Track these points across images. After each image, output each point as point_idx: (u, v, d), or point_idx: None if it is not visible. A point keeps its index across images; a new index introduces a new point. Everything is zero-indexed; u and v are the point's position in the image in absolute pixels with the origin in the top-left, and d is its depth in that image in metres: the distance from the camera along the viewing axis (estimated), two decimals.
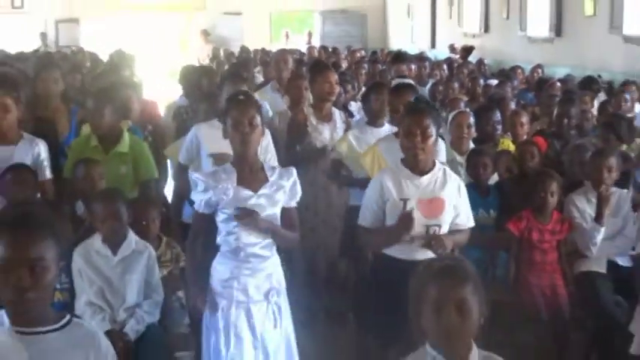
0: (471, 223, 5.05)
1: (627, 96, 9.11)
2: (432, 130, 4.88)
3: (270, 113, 7.12)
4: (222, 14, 22.72)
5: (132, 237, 5.00)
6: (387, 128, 6.47)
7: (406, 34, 21.76)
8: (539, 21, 15.60)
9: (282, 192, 4.72)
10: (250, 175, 4.68)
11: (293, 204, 4.80)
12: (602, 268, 5.94)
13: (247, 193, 4.60)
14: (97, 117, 6.10)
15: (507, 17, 16.89)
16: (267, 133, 5.66)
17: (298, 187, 4.83)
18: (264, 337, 4.73)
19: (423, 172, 4.88)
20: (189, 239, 4.98)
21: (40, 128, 6.57)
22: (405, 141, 4.92)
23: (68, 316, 2.76)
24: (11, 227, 2.64)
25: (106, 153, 5.89)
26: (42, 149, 5.96)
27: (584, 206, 5.93)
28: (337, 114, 7.23)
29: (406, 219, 4.63)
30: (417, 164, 4.88)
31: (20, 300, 2.55)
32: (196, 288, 4.76)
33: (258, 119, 4.71)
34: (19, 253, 2.55)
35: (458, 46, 16.83)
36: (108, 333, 4.40)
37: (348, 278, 6.33)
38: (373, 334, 5.42)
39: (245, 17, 22.69)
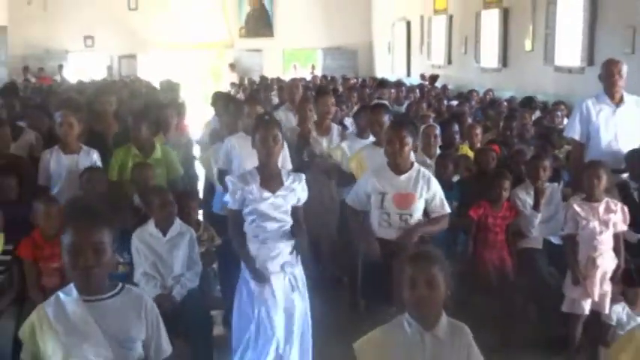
0: (447, 210, 5.08)
1: (558, 113, 9.37)
2: (409, 139, 4.95)
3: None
4: (246, 51, 22.78)
5: (178, 222, 5.08)
6: (371, 139, 6.39)
7: (387, 66, 21.69)
8: (490, 55, 15.59)
9: (293, 194, 4.72)
10: (270, 179, 4.68)
11: (300, 204, 4.80)
12: (539, 245, 6.08)
13: (267, 194, 4.63)
14: (136, 132, 6.23)
15: (465, 52, 16.85)
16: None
17: (305, 191, 4.83)
18: (285, 300, 4.71)
19: (401, 172, 4.95)
20: (231, 230, 4.92)
21: (93, 140, 6.59)
22: (388, 148, 4.99)
23: (121, 284, 2.88)
24: (78, 219, 2.82)
25: (145, 159, 5.96)
26: (96, 157, 6.01)
27: (525, 197, 5.98)
28: (335, 128, 7.22)
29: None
30: (396, 166, 4.95)
31: (86, 276, 2.68)
32: (249, 262, 4.71)
33: (279, 136, 4.71)
34: (85, 239, 2.68)
35: (427, 74, 16.90)
36: (158, 296, 4.59)
37: (344, 252, 6.37)
38: (362, 294, 5.52)
39: (264, 53, 22.83)
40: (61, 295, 2.80)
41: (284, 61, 22.48)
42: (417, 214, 4.97)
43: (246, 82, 18.70)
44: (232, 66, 21.47)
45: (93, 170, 5.74)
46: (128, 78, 18.20)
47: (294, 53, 22.89)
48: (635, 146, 6.19)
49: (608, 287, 5.41)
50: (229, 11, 23.51)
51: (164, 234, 4.99)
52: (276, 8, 23.53)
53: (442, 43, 18.28)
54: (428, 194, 4.98)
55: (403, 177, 4.97)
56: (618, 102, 6.40)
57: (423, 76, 16.60)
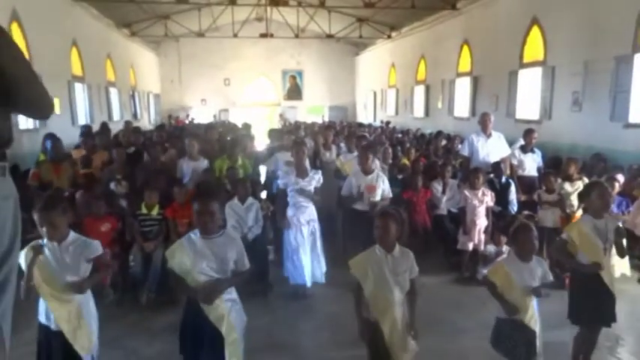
0: (391, 195, 4.99)
1: (456, 141, 8.87)
2: (370, 156, 4.93)
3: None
4: (288, 107, 22.69)
5: (250, 197, 4.94)
6: (356, 153, 6.27)
7: (363, 116, 21.50)
8: (419, 110, 15.51)
9: (314, 180, 4.73)
10: (301, 172, 4.71)
11: (317, 185, 4.76)
12: (445, 212, 5.96)
13: (299, 179, 4.68)
14: (230, 150, 6.14)
15: (405, 109, 16.77)
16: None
17: (320, 180, 4.80)
18: (309, 239, 4.76)
19: (368, 174, 4.90)
20: (278, 199, 4.98)
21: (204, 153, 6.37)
22: (361, 161, 5.02)
23: (223, 230, 2.82)
24: (202, 197, 2.77)
25: (233, 164, 5.86)
26: (206, 163, 5.87)
27: (437, 187, 5.92)
28: (333, 147, 7.07)
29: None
30: (365, 171, 4.90)
31: (206, 227, 2.68)
32: (284, 218, 4.74)
33: (306, 150, 4.84)
34: (205, 208, 2.66)
35: (384, 120, 16.70)
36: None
37: (337, 219, 6.24)
38: (347, 243, 5.46)
39: (298, 109, 22.69)
40: (191, 234, 2.76)
41: (307, 112, 22.31)
42: (378, 197, 4.87)
43: (287, 123, 18.41)
44: (281, 115, 21.46)
45: (206, 170, 5.70)
46: (225, 121, 18.04)
47: (313, 108, 22.79)
48: (497, 159, 6.12)
49: (482, 236, 5.36)
50: (279, 86, 23.43)
51: (242, 203, 4.90)
52: (303, 85, 23.40)
53: (393, 103, 18.16)
54: (383, 186, 4.90)
55: (369, 177, 4.90)
56: (489, 135, 6.31)
57: (382, 122, 16.49)
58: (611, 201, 3.40)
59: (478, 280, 5.22)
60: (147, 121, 18.47)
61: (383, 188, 4.87)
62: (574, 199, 5.34)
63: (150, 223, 4.90)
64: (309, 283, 4.80)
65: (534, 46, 9.46)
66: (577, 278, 3.33)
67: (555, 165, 6.78)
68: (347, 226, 5.13)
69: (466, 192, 5.32)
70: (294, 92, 23.53)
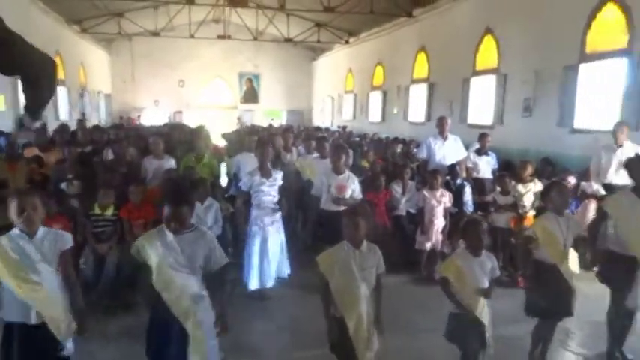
0: (361, 196, 4.98)
1: (412, 145, 9.29)
2: (343, 157, 4.93)
3: None
4: (244, 111, 22.42)
5: (208, 197, 4.83)
6: (315, 155, 6.37)
7: (320, 120, 21.51)
8: (375, 115, 15.70)
9: (278, 181, 4.73)
10: (265, 173, 4.67)
11: (280, 184, 4.76)
12: (403, 213, 5.98)
13: (264, 180, 4.63)
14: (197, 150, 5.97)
15: (362, 113, 16.98)
16: None
17: (281, 180, 4.79)
18: (273, 241, 4.73)
19: (339, 174, 4.87)
20: (239, 202, 4.88)
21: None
22: (332, 161, 5.01)
23: (194, 226, 2.70)
24: (172, 201, 2.61)
25: (198, 163, 5.75)
26: (172, 162, 5.81)
27: (397, 188, 5.95)
28: (294, 149, 7.08)
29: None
30: (337, 171, 4.88)
31: (177, 227, 2.57)
32: (245, 221, 4.73)
33: (270, 150, 4.80)
34: (176, 213, 2.56)
35: (341, 125, 16.73)
36: None
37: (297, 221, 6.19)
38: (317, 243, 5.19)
39: (255, 112, 22.48)
40: (163, 227, 2.64)
41: (264, 116, 22.11)
42: (348, 196, 4.83)
43: (243, 126, 18.11)
44: (238, 118, 21.14)
45: (169, 170, 5.55)
46: (176, 123, 17.63)
47: (269, 112, 22.61)
48: (453, 162, 6.27)
49: (440, 236, 5.47)
50: (235, 88, 23.17)
51: (201, 204, 4.73)
52: (260, 89, 23.22)
53: (350, 108, 18.30)
54: (353, 186, 4.89)
55: (340, 177, 4.87)
56: (445, 138, 6.46)
57: (339, 126, 16.55)
58: (569, 199, 3.55)
59: (435, 280, 5.38)
60: (96, 121, 17.79)
61: (353, 189, 4.87)
62: (526, 201, 5.55)
63: (103, 224, 4.71)
64: (271, 284, 4.76)
65: (488, 55, 9.80)
66: (537, 272, 3.42)
67: (507, 169, 7.02)
68: (316, 227, 5.07)
69: (425, 193, 5.42)
70: (251, 95, 23.34)
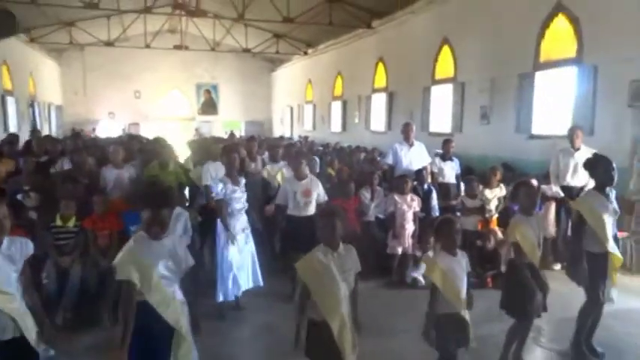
0: (326, 198, 5.01)
1: (375, 153, 9.36)
2: (304, 162, 4.96)
3: None
4: (203, 122, 22.01)
5: (178, 208, 4.61)
6: (282, 163, 6.36)
7: (280, 130, 21.42)
8: (336, 124, 15.85)
9: (243, 187, 4.69)
10: (234, 180, 4.60)
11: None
12: (372, 219, 5.95)
13: (234, 188, 4.56)
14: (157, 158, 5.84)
15: (323, 123, 17.09)
16: None
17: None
18: (244, 249, 4.65)
19: (302, 179, 4.89)
20: (219, 208, 4.67)
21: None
22: (293, 168, 5.00)
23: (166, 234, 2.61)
24: (153, 204, 2.54)
25: (163, 171, 5.54)
26: (132, 171, 5.64)
27: (366, 194, 5.96)
28: (259, 158, 6.98)
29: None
30: (299, 177, 4.90)
31: (159, 231, 2.50)
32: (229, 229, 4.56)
33: (237, 157, 4.73)
34: (157, 217, 2.49)
35: (302, 135, 16.77)
36: None
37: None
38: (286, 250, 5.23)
39: (213, 123, 22.06)
40: (139, 235, 2.55)
41: (223, 127, 21.69)
42: (314, 201, 4.88)
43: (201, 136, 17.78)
44: (197, 130, 20.69)
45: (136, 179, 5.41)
46: (131, 134, 17.14)
47: (229, 123, 22.24)
48: (420, 167, 6.36)
49: (410, 240, 5.53)
50: (193, 100, 22.82)
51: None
52: (218, 100, 22.97)
53: (310, 118, 18.40)
54: (318, 190, 4.91)
55: (303, 182, 4.88)
56: (411, 144, 6.55)
57: (300, 136, 16.55)
58: (538, 200, 3.66)
59: (407, 283, 5.44)
60: (47, 133, 17.06)
61: (318, 192, 4.88)
62: (492, 205, 5.71)
63: (65, 236, 4.50)
64: (243, 288, 4.68)
65: (445, 64, 10.09)
66: (513, 271, 3.50)
67: (468, 174, 7.18)
68: (284, 234, 5.04)
69: (396, 197, 5.49)
70: (209, 107, 23.04)
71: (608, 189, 3.66)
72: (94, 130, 20.33)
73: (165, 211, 2.53)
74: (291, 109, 20.66)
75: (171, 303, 2.52)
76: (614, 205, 3.69)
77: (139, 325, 2.49)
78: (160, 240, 2.55)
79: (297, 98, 19.74)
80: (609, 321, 3.83)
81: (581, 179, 5.93)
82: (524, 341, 3.53)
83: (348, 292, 2.78)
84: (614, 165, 3.64)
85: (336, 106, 15.96)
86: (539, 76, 7.67)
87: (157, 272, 2.49)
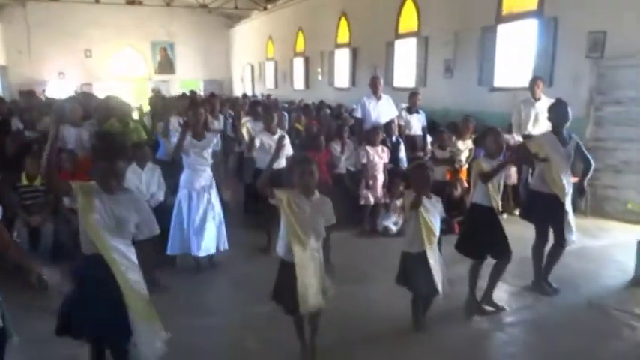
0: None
1: (342, 109, 9.43)
2: (275, 116, 4.99)
3: None
4: (160, 82, 21.04)
5: (149, 162, 4.57)
6: (247, 118, 6.27)
7: (240, 89, 20.96)
8: (299, 82, 15.71)
9: (212, 143, 4.55)
10: (197, 133, 4.45)
11: (217, 149, 4.70)
12: (344, 171, 5.90)
13: (195, 141, 4.44)
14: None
15: (285, 81, 16.89)
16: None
17: (219, 143, 4.75)
18: (206, 208, 4.51)
19: (273, 134, 4.88)
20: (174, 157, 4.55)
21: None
22: (264, 122, 4.98)
23: (127, 189, 2.59)
24: (108, 155, 2.44)
25: (124, 129, 5.41)
26: (91, 129, 5.39)
27: (336, 147, 5.90)
28: (221, 116, 6.92)
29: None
30: (269, 130, 4.91)
31: (113, 185, 2.42)
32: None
33: (203, 111, 4.62)
34: (112, 168, 2.40)
35: (264, 93, 16.48)
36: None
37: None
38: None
39: (170, 82, 21.21)
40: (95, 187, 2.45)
41: (182, 86, 20.98)
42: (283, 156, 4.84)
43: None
44: (154, 90, 19.96)
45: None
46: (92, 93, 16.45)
47: (186, 82, 21.54)
48: (388, 120, 6.45)
49: (381, 190, 5.68)
50: (149, 58, 21.96)
51: (142, 169, 4.55)
52: (175, 58, 22.19)
53: (271, 76, 18.12)
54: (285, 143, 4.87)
55: (274, 136, 4.86)
56: (379, 98, 6.60)
57: (262, 94, 16.29)
58: (503, 146, 3.81)
59: (379, 232, 5.62)
60: None
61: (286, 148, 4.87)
62: (463, 156, 5.89)
63: (33, 195, 4.41)
64: (204, 253, 4.58)
65: (409, 18, 10.09)
66: (474, 214, 3.67)
67: (433, 127, 7.37)
68: (253, 187, 5.04)
69: (368, 149, 5.58)
70: (166, 65, 22.25)
71: (566, 134, 3.88)
72: (44, 91, 19.36)
73: (121, 164, 2.46)
74: (252, 66, 20.25)
75: (110, 250, 2.40)
76: (571, 149, 3.90)
77: (82, 276, 2.45)
78: (114, 196, 2.45)
79: (258, 56, 19.34)
80: (566, 259, 4.08)
81: (542, 128, 6.15)
82: (496, 281, 3.71)
83: (315, 239, 2.81)
84: (569, 108, 3.89)
85: (299, 63, 15.75)
86: (502, 29, 7.81)
87: (96, 223, 2.38)
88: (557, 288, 3.98)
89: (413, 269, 3.21)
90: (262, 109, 5.35)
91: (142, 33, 21.01)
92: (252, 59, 20.15)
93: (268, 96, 15.58)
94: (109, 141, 2.65)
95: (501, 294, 3.86)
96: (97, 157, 2.52)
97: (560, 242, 3.89)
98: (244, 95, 15.27)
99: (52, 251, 4.19)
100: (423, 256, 3.14)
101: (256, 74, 19.87)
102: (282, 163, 4.87)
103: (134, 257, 2.47)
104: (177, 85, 21.57)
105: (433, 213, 3.20)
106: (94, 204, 2.39)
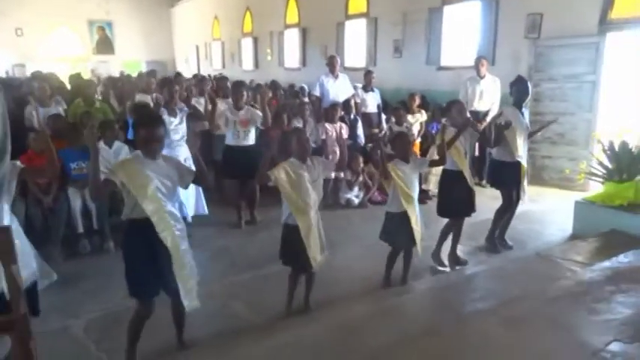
0: (262, 127, 5.15)
1: (296, 89, 9.55)
2: (244, 92, 5.08)
3: None
4: (99, 62, 20.31)
5: (116, 140, 4.72)
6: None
7: (186, 70, 20.55)
8: (248, 63, 15.65)
9: (181, 119, 4.71)
10: (170, 112, 4.59)
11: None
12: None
13: (171, 119, 4.54)
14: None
15: (233, 61, 16.73)
16: None
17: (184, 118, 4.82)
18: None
19: (240, 109, 4.95)
20: None
21: None
22: (233, 98, 5.05)
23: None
24: (148, 122, 2.59)
25: (89, 108, 5.44)
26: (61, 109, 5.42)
27: (297, 124, 6.10)
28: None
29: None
30: (237, 107, 4.96)
31: (157, 149, 2.56)
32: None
33: (177, 90, 4.77)
34: (155, 134, 2.53)
35: (212, 75, 16.24)
36: None
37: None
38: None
39: (111, 63, 20.36)
40: (139, 154, 2.60)
41: (123, 66, 20.23)
42: (252, 131, 5.06)
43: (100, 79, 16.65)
44: (92, 70, 19.24)
45: (57, 116, 5.15)
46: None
47: (128, 64, 20.81)
48: (345, 98, 6.72)
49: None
50: (86, 38, 21.00)
51: (110, 147, 4.63)
52: (114, 38, 21.35)
53: (219, 56, 17.88)
54: (255, 119, 5.04)
55: (241, 112, 5.00)
56: (336, 77, 6.84)
57: (209, 75, 16.01)
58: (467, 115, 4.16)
59: (341, 205, 5.91)
60: None
61: (255, 121, 5.03)
62: (415, 129, 6.28)
63: None
64: (190, 214, 4.77)
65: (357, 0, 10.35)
66: (446, 179, 4.03)
67: (385, 106, 7.71)
68: (223, 163, 5.20)
69: (327, 125, 5.82)
70: (105, 45, 21.40)
71: (523, 108, 4.30)
72: None
73: (161, 129, 2.59)
74: (197, 47, 19.86)
75: (165, 216, 2.54)
76: (527, 121, 4.34)
77: (134, 242, 2.60)
78: (156, 161, 2.59)
79: (204, 36, 18.97)
80: (513, 222, 4.54)
81: (487, 104, 6.70)
82: (458, 239, 4.11)
83: (317, 199, 3.11)
84: (529, 84, 4.33)
85: (247, 43, 15.67)
86: (448, 10, 8.23)
87: (152, 190, 2.51)
88: (512, 245, 4.45)
89: (394, 226, 3.53)
90: (232, 86, 5.42)
91: (77, 11, 20.02)
92: (197, 40, 19.74)
93: (222, 76, 15.41)
94: (146, 111, 2.75)
95: (458, 253, 4.25)
96: (138, 127, 2.57)
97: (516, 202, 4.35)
98: (195, 75, 15.00)
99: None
100: (403, 215, 3.45)
101: (202, 55, 19.51)
102: (250, 139, 5.08)
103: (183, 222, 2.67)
104: (118, 66, 20.81)
105: (410, 176, 3.50)
106: (147, 174, 2.51)
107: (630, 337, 2.18)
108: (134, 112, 4.86)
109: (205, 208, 4.99)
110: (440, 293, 3.14)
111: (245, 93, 5.07)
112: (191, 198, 4.86)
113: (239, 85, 5.16)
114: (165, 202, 2.54)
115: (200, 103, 6.08)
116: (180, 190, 4.45)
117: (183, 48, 21.51)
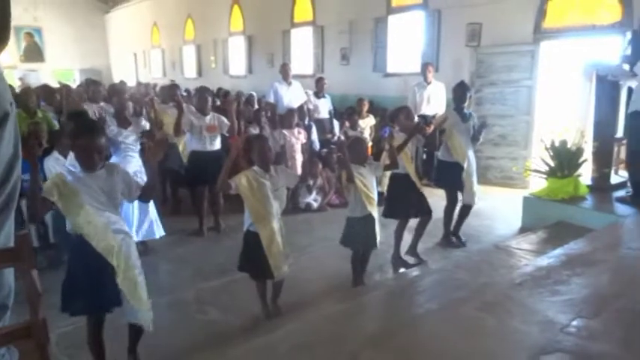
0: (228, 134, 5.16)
1: (243, 96, 9.50)
2: (209, 98, 5.09)
3: None
4: (28, 71, 19.26)
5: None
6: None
7: (126, 77, 19.95)
8: (190, 70, 15.45)
9: (139, 128, 4.57)
10: (121, 123, 4.46)
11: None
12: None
13: (120, 130, 4.40)
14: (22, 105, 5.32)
15: (174, 69, 16.43)
16: None
17: (147, 126, 4.69)
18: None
19: (206, 115, 4.94)
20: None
21: None
22: (199, 105, 5.04)
23: (103, 163, 2.45)
24: (89, 132, 2.40)
25: (32, 119, 5.23)
26: None
27: (254, 131, 6.27)
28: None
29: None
30: (204, 113, 4.97)
31: (97, 160, 2.39)
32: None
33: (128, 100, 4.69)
34: (96, 143, 2.37)
35: (151, 83, 15.83)
36: None
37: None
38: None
39: (40, 72, 19.33)
40: (70, 168, 2.45)
41: (54, 78, 19.25)
42: (218, 136, 5.05)
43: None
44: (21, 79, 18.18)
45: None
46: None
47: (60, 72, 19.83)
48: (299, 104, 6.84)
49: (300, 170, 6.00)
50: (12, 44, 19.80)
51: (65, 158, 4.33)
52: (44, 45, 20.32)
53: (159, 64, 17.54)
54: (221, 125, 5.01)
55: (207, 117, 4.97)
56: (289, 83, 6.96)
57: (148, 84, 15.62)
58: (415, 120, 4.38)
59: (301, 209, 5.99)
60: None
61: (222, 127, 5.03)
62: (366, 133, 6.49)
63: None
64: (139, 238, 4.50)
65: (304, 8, 10.51)
66: (394, 182, 4.17)
67: (336, 112, 7.90)
68: (189, 169, 5.14)
69: (285, 131, 5.90)
70: (34, 53, 20.32)
71: (466, 111, 4.58)
72: None
73: (103, 139, 2.45)
74: (135, 55, 19.32)
75: (106, 233, 2.36)
76: (470, 124, 4.62)
77: (77, 256, 2.44)
78: (95, 173, 2.41)
79: (142, 43, 18.51)
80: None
81: (434, 108, 7.03)
82: (419, 238, 4.26)
83: (280, 209, 3.12)
84: (468, 89, 4.66)
85: (189, 51, 15.46)
86: (392, 20, 8.56)
87: (89, 205, 2.36)
88: (466, 241, 4.71)
89: (356, 231, 3.59)
90: (197, 91, 5.36)
91: None
92: (135, 47, 19.21)
93: (172, 83, 15.07)
94: (84, 119, 2.62)
95: (419, 250, 4.43)
96: (75, 136, 2.40)
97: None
98: (139, 84, 14.61)
99: None
100: (366, 219, 3.53)
101: (141, 63, 19.00)
102: (216, 145, 5.06)
103: (127, 230, 2.51)
104: (49, 75, 19.83)
105: (369, 180, 3.63)
106: (79, 191, 2.34)
107: (591, 313, 2.42)
108: (71, 121, 4.55)
109: (156, 231, 4.61)
110: (406, 289, 3.26)
111: (209, 99, 5.03)
112: (136, 218, 4.55)
113: (203, 90, 5.14)
114: (101, 215, 2.37)
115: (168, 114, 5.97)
116: (134, 213, 4.45)
117: (119, 56, 20.84)
